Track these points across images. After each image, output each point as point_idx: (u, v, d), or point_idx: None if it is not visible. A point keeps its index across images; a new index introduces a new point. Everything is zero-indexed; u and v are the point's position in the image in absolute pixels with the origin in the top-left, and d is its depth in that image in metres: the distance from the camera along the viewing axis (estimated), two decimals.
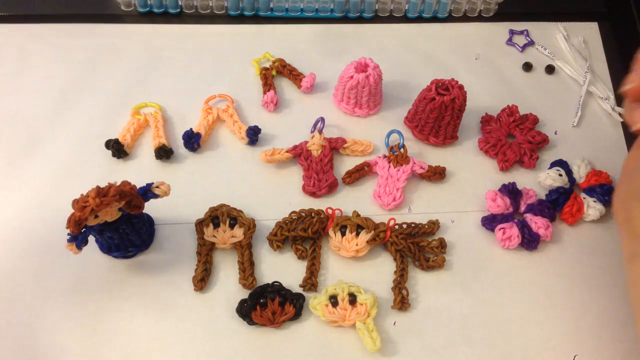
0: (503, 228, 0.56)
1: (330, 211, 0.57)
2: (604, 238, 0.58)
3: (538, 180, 0.60)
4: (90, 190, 0.46)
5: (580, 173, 0.60)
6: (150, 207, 0.54)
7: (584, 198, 0.59)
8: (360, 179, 0.61)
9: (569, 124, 0.66)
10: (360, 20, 0.73)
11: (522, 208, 0.58)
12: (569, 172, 0.60)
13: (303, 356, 0.51)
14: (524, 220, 0.57)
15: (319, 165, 0.60)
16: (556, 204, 0.58)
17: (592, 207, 0.58)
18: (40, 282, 0.54)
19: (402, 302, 0.53)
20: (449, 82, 0.59)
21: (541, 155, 0.63)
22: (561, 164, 0.61)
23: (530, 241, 0.56)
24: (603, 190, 0.59)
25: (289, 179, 0.61)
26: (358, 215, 0.57)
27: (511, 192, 0.58)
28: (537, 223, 0.56)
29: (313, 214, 0.57)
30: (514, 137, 0.63)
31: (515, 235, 0.56)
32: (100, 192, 0.46)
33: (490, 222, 0.58)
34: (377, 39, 0.71)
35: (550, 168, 0.61)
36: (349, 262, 0.56)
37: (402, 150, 0.60)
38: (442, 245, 0.56)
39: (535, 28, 0.73)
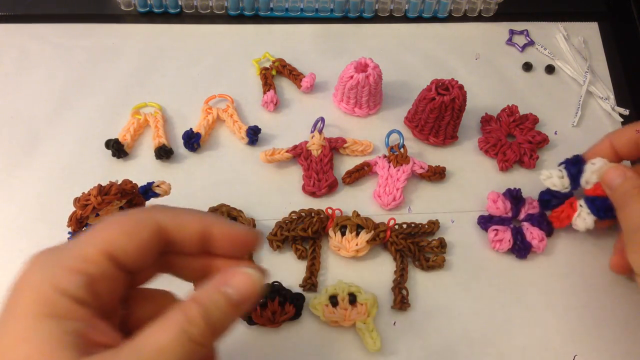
0: (496, 230, 0.56)
1: (330, 211, 0.57)
2: (605, 238, 0.58)
3: (541, 178, 0.56)
4: (92, 189, 0.46)
5: (591, 179, 0.53)
6: None
7: (580, 206, 0.54)
8: (360, 179, 0.61)
9: (569, 124, 0.65)
10: (360, 20, 0.73)
11: (522, 216, 0.57)
12: (577, 174, 0.54)
13: (303, 356, 0.51)
14: (520, 228, 0.56)
15: (319, 165, 0.60)
16: (547, 205, 0.57)
17: (581, 218, 0.53)
18: None
19: (402, 302, 0.53)
20: (449, 82, 0.59)
21: (541, 155, 0.63)
22: (574, 163, 0.54)
23: (520, 249, 0.55)
24: (605, 204, 0.52)
25: (289, 179, 0.60)
26: (358, 215, 0.57)
27: (514, 197, 0.58)
28: (532, 233, 0.56)
29: (313, 214, 0.57)
30: (514, 137, 0.63)
31: (507, 240, 0.55)
32: (102, 191, 0.46)
33: (486, 221, 0.57)
34: (377, 39, 0.71)
35: (561, 164, 0.56)
36: (349, 262, 0.56)
37: (402, 150, 0.60)
38: (442, 245, 0.56)
39: (535, 28, 0.73)
